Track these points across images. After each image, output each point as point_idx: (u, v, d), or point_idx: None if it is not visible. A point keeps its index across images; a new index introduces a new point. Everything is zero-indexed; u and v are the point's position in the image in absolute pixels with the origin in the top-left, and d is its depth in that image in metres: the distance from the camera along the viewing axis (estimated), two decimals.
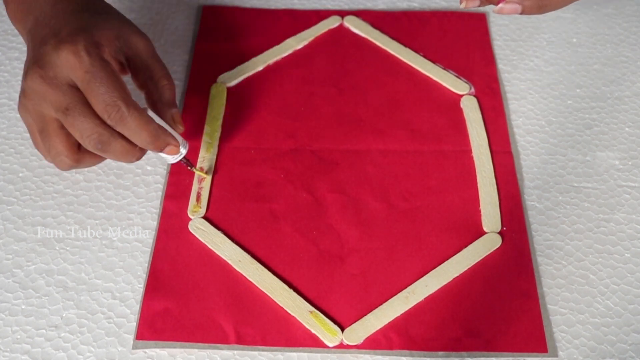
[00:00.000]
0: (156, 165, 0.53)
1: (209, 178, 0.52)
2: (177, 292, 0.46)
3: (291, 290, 0.46)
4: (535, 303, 0.46)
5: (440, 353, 0.44)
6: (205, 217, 0.50)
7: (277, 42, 0.61)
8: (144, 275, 0.47)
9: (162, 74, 0.49)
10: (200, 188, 0.51)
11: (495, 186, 0.51)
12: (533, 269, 0.47)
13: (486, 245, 0.48)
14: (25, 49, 0.61)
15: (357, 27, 0.62)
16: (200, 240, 0.48)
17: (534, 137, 0.55)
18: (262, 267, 0.47)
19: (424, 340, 0.44)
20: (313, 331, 0.44)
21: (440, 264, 0.47)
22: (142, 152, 0.46)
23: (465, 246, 0.48)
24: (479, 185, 0.52)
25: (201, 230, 0.49)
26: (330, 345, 0.44)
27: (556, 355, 0.44)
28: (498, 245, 0.48)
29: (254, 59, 0.60)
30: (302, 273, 0.47)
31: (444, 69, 0.59)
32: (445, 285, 0.46)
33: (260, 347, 0.44)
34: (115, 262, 0.48)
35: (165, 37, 0.62)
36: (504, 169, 0.53)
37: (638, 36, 0.63)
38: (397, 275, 0.47)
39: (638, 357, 0.43)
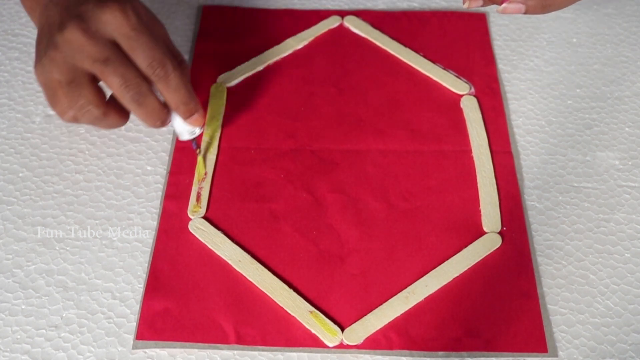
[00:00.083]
0: (156, 165, 0.53)
1: (208, 179, 0.52)
2: (177, 292, 0.46)
3: (291, 290, 0.46)
4: (535, 303, 0.46)
5: (440, 353, 0.44)
6: (205, 217, 0.50)
7: (277, 42, 0.61)
8: (144, 275, 0.47)
9: (181, 58, 0.50)
10: (200, 188, 0.51)
11: (495, 186, 0.51)
12: (533, 269, 0.47)
13: (486, 245, 0.48)
14: (25, 48, 0.61)
15: (357, 27, 0.62)
16: (200, 240, 0.48)
17: (534, 137, 0.55)
18: (262, 267, 0.47)
19: (424, 340, 0.44)
20: (313, 331, 0.44)
21: (440, 264, 0.47)
22: (167, 117, 0.48)
23: (465, 246, 0.48)
24: (479, 185, 0.52)
25: (201, 230, 0.49)
26: (330, 345, 0.44)
27: (556, 355, 0.44)
28: (498, 245, 0.48)
29: (254, 59, 0.60)
30: (302, 273, 0.47)
31: (444, 69, 0.59)
32: (445, 285, 0.46)
33: (260, 347, 0.44)
34: (115, 262, 0.48)
35: None
36: (504, 169, 0.53)
37: (638, 36, 0.63)
38: (397, 275, 0.47)
39: (638, 357, 0.43)
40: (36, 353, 0.44)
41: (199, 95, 0.56)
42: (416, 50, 0.61)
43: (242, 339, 0.44)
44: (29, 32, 0.63)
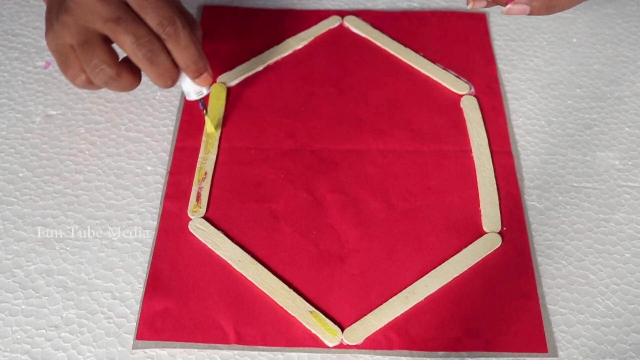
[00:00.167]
0: (156, 165, 0.53)
1: (209, 178, 0.52)
2: (177, 292, 0.46)
3: (291, 290, 0.46)
4: (535, 303, 0.46)
5: (440, 353, 0.44)
6: (205, 217, 0.50)
7: (277, 42, 0.61)
8: (144, 275, 0.47)
9: (192, 18, 0.51)
10: (200, 188, 0.51)
11: (495, 186, 0.51)
12: (533, 269, 0.47)
13: (486, 245, 0.48)
14: (25, 48, 0.61)
15: (357, 27, 0.62)
16: (200, 240, 0.48)
17: (534, 137, 0.55)
18: (262, 267, 0.47)
19: (424, 340, 0.44)
20: (313, 331, 0.44)
21: (440, 264, 0.47)
22: (177, 75, 0.48)
23: (465, 246, 0.48)
24: (479, 185, 0.52)
25: (201, 230, 0.49)
26: (330, 345, 0.44)
27: (556, 355, 0.44)
28: (498, 245, 0.48)
29: (254, 59, 0.60)
30: (302, 273, 0.47)
31: (444, 69, 0.59)
32: (445, 285, 0.46)
33: (260, 347, 0.44)
34: (115, 262, 0.48)
35: None
36: (504, 169, 0.53)
37: (638, 36, 0.63)
38: (397, 275, 0.47)
39: (638, 357, 0.43)
40: (36, 353, 0.44)
41: None
42: (416, 50, 0.61)
43: (242, 339, 0.44)
44: (29, 32, 0.63)
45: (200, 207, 0.50)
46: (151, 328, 0.44)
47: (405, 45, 0.61)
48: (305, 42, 0.61)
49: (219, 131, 0.55)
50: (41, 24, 0.63)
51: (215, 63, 0.59)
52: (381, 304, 0.45)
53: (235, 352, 0.44)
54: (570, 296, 0.46)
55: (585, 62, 0.61)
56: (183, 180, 0.52)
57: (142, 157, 0.53)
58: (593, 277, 0.47)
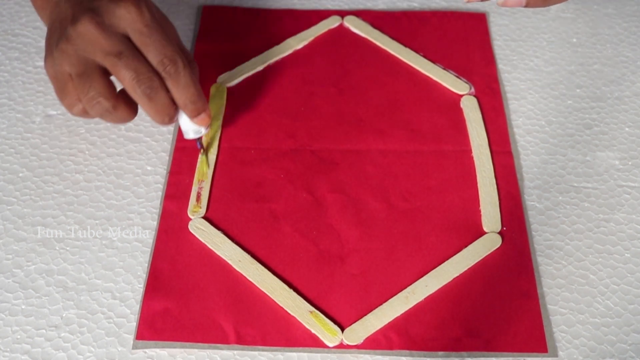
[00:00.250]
0: (156, 165, 0.53)
1: (208, 179, 0.52)
2: (177, 292, 0.46)
3: (291, 290, 0.46)
4: (535, 303, 0.46)
5: (440, 353, 0.44)
6: (205, 217, 0.50)
7: (277, 42, 0.61)
8: (144, 275, 0.47)
9: (191, 57, 0.51)
10: (200, 188, 0.51)
11: (495, 186, 0.51)
12: (533, 269, 0.47)
13: (486, 245, 0.48)
14: (25, 48, 0.61)
15: (357, 27, 0.62)
16: (200, 240, 0.48)
17: (534, 137, 0.55)
18: (262, 267, 0.47)
19: (424, 340, 0.44)
20: (313, 331, 0.44)
21: (440, 264, 0.47)
22: (175, 114, 0.48)
23: (465, 246, 0.48)
24: (479, 185, 0.52)
25: (201, 230, 0.49)
26: (330, 345, 0.44)
27: (556, 355, 0.44)
28: (498, 245, 0.48)
29: (254, 59, 0.60)
30: (302, 273, 0.47)
31: (444, 69, 0.59)
32: (445, 285, 0.46)
33: (260, 347, 0.44)
34: (115, 262, 0.48)
35: None
36: (504, 169, 0.53)
37: (638, 36, 0.63)
38: (397, 275, 0.47)
39: (638, 357, 0.43)
40: (36, 353, 0.44)
41: None
42: (416, 50, 0.61)
43: (242, 339, 0.44)
44: (29, 32, 0.63)
45: (200, 207, 0.50)
46: (151, 328, 0.44)
47: (405, 45, 0.61)
48: (305, 42, 0.61)
49: (219, 131, 0.55)
50: (41, 24, 0.63)
51: (215, 63, 0.59)
52: (381, 304, 0.45)
53: (235, 352, 0.44)
54: (570, 296, 0.46)
55: (585, 62, 0.61)
56: (183, 180, 0.52)
57: (142, 157, 0.53)
58: (593, 277, 0.47)
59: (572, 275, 0.47)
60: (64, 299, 0.46)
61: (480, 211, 0.50)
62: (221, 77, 0.58)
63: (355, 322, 0.45)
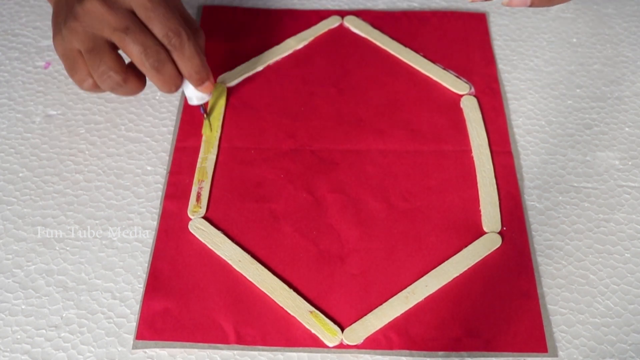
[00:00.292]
0: (156, 165, 0.53)
1: (208, 179, 0.52)
2: (177, 292, 0.46)
3: (291, 290, 0.46)
4: (535, 303, 0.46)
5: (440, 353, 0.44)
6: (205, 217, 0.50)
7: (277, 42, 0.61)
8: (144, 275, 0.47)
9: (196, 26, 0.53)
10: (200, 188, 0.51)
11: (495, 186, 0.51)
12: (533, 269, 0.47)
13: (486, 245, 0.48)
14: (25, 48, 0.61)
15: (357, 27, 0.62)
16: (200, 240, 0.48)
17: (534, 137, 0.55)
18: (262, 267, 0.47)
19: (424, 340, 0.44)
20: (313, 331, 0.44)
21: (440, 264, 0.47)
22: (181, 82, 0.50)
23: (465, 246, 0.48)
24: (479, 185, 0.52)
25: (201, 230, 0.49)
26: (330, 345, 0.44)
27: (556, 355, 0.44)
28: (498, 245, 0.48)
29: (254, 59, 0.60)
30: (302, 273, 0.47)
31: (444, 69, 0.59)
32: (445, 285, 0.46)
33: (260, 347, 0.44)
34: (115, 262, 0.48)
35: None
36: (504, 169, 0.53)
37: (638, 36, 0.63)
38: (397, 275, 0.47)
39: (638, 357, 0.43)
40: (36, 353, 0.44)
41: None
42: (416, 50, 0.61)
43: (242, 339, 0.44)
44: (29, 32, 0.63)
45: (200, 207, 0.50)
46: (151, 328, 0.44)
47: (405, 45, 0.61)
48: (305, 42, 0.61)
49: (217, 133, 0.55)
50: (41, 24, 0.63)
51: (215, 63, 0.59)
52: (381, 304, 0.45)
53: (235, 352, 0.44)
54: (570, 296, 0.46)
55: (585, 62, 0.61)
56: (183, 180, 0.52)
57: (142, 157, 0.53)
58: (593, 277, 0.47)
59: (572, 275, 0.47)
60: (64, 299, 0.46)
61: (480, 211, 0.50)
62: (221, 77, 0.58)
63: (355, 322, 0.45)
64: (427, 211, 0.50)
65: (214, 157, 0.53)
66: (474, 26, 0.63)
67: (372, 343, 0.44)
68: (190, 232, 0.49)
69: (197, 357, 0.44)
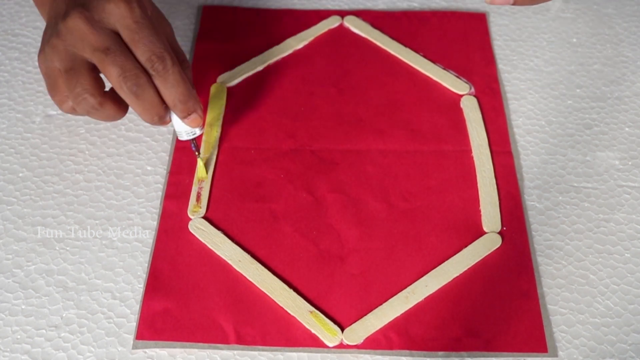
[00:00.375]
0: (156, 165, 0.53)
1: (208, 179, 0.52)
2: (177, 292, 0.46)
3: (291, 290, 0.46)
4: (535, 303, 0.46)
5: (440, 353, 0.44)
6: (205, 217, 0.50)
7: (277, 42, 0.61)
8: (144, 275, 0.47)
9: (183, 57, 0.51)
10: (200, 188, 0.51)
11: (495, 186, 0.51)
12: (533, 269, 0.47)
13: (486, 245, 0.48)
14: (25, 48, 0.61)
15: (357, 27, 0.62)
16: (200, 240, 0.48)
17: (534, 137, 0.55)
18: (262, 267, 0.47)
19: (424, 340, 0.44)
20: (313, 331, 0.44)
21: (440, 264, 0.47)
22: (166, 113, 0.47)
23: (465, 246, 0.48)
24: (479, 185, 0.52)
25: (201, 230, 0.49)
26: (330, 345, 0.44)
27: (556, 355, 0.44)
28: (498, 245, 0.48)
29: (254, 59, 0.60)
30: (302, 273, 0.47)
31: (444, 69, 0.59)
32: (445, 285, 0.46)
33: (260, 347, 0.44)
34: (115, 262, 0.48)
35: None
36: (504, 169, 0.53)
37: (638, 36, 0.63)
38: (397, 275, 0.47)
39: (638, 357, 0.43)
40: (36, 353, 0.44)
41: (199, 95, 0.57)
42: (416, 50, 0.61)
43: (242, 339, 0.44)
44: (29, 32, 0.63)
45: (200, 207, 0.50)
46: (151, 328, 0.44)
47: (405, 45, 0.61)
48: (305, 42, 0.61)
49: (219, 131, 0.55)
50: (41, 24, 0.63)
51: (215, 63, 0.59)
52: (381, 304, 0.45)
53: (235, 352, 0.44)
54: (570, 296, 0.46)
55: (585, 62, 0.61)
56: (183, 180, 0.52)
57: (142, 157, 0.53)
58: (593, 277, 0.47)
59: (572, 275, 0.47)
60: (64, 299, 0.46)
61: (480, 211, 0.50)
62: (221, 77, 0.58)
63: (355, 322, 0.45)
64: (427, 211, 0.50)
65: (214, 157, 0.53)
66: (474, 26, 0.63)
67: (372, 343, 0.44)
68: (190, 232, 0.49)
69: (197, 357, 0.44)
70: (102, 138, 0.55)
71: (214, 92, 0.57)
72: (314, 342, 0.44)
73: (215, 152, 0.53)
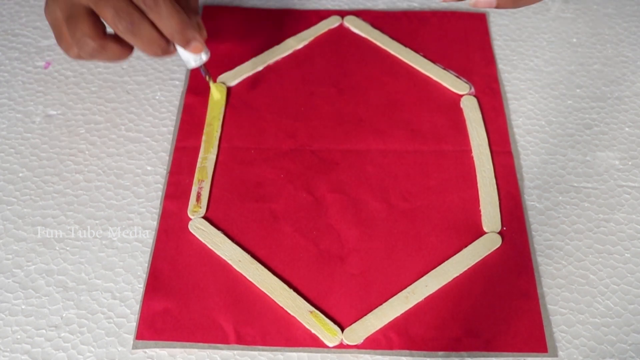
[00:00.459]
0: (156, 165, 0.53)
1: (208, 179, 0.52)
2: (177, 292, 0.46)
3: (291, 290, 0.46)
4: (535, 303, 0.46)
5: (440, 353, 0.44)
6: (205, 217, 0.50)
7: (277, 42, 0.61)
8: (144, 275, 0.47)
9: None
10: (200, 188, 0.51)
11: (495, 186, 0.51)
12: (533, 269, 0.47)
13: (486, 245, 0.48)
14: (25, 48, 0.61)
15: (357, 27, 0.62)
16: (200, 240, 0.48)
17: (534, 137, 0.55)
18: (262, 267, 0.47)
19: (424, 340, 0.44)
20: (313, 331, 0.44)
21: (440, 264, 0.47)
22: (168, 45, 0.48)
23: (465, 246, 0.48)
24: (479, 185, 0.52)
25: (201, 230, 0.49)
26: (330, 345, 0.44)
27: (556, 355, 0.44)
28: (498, 245, 0.48)
29: (254, 59, 0.60)
30: (302, 273, 0.47)
31: (444, 69, 0.59)
32: (445, 285, 0.46)
33: (260, 347, 0.44)
34: (115, 262, 0.48)
35: None
36: (504, 169, 0.53)
37: (638, 36, 0.63)
38: (397, 275, 0.47)
39: (638, 357, 0.43)
40: (36, 353, 0.44)
41: (199, 95, 0.57)
42: (416, 50, 0.61)
43: (242, 339, 0.44)
44: (29, 32, 0.63)
45: (200, 207, 0.50)
46: (151, 328, 0.44)
47: (405, 45, 0.61)
48: (305, 42, 0.61)
49: (219, 131, 0.54)
50: (41, 24, 0.63)
51: (215, 63, 0.59)
52: (381, 304, 0.45)
53: (235, 352, 0.44)
54: (570, 296, 0.46)
55: (585, 62, 0.61)
56: (183, 180, 0.52)
57: (142, 157, 0.53)
58: (593, 277, 0.47)
59: (572, 275, 0.47)
60: (64, 299, 0.46)
61: (480, 211, 0.50)
62: (221, 77, 0.58)
63: (355, 322, 0.45)
64: (427, 211, 0.50)
65: (214, 157, 0.53)
66: (474, 26, 0.63)
67: (372, 343, 0.44)
68: (190, 232, 0.49)
69: (197, 357, 0.44)
70: (102, 138, 0.55)
71: (214, 92, 0.57)
72: (314, 342, 0.44)
73: (215, 152, 0.53)
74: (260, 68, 0.59)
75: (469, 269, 0.47)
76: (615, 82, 0.59)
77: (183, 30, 0.48)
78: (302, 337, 0.44)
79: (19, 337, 0.44)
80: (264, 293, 0.46)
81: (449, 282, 0.46)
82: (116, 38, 0.48)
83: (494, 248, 0.48)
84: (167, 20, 0.47)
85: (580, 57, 0.61)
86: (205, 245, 0.48)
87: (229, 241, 0.48)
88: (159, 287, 0.46)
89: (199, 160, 0.53)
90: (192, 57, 0.51)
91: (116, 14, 0.46)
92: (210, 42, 0.61)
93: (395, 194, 0.51)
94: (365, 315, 0.45)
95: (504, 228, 0.49)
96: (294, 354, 0.44)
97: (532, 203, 0.51)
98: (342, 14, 0.64)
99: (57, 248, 0.48)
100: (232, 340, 0.44)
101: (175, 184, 0.51)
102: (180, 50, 0.50)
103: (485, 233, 0.49)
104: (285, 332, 0.44)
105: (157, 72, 0.59)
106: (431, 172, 0.52)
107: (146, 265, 0.47)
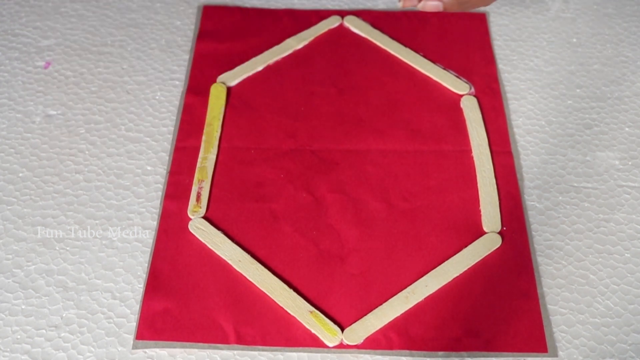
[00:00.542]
0: (156, 165, 0.53)
1: (208, 179, 0.52)
2: (177, 292, 0.46)
3: (291, 290, 0.46)
4: (535, 303, 0.46)
5: (440, 353, 0.44)
6: (205, 217, 0.50)
7: (277, 42, 0.61)
8: (144, 275, 0.47)
9: None
10: (200, 188, 0.51)
11: (495, 186, 0.51)
12: (533, 269, 0.47)
13: (486, 245, 0.48)
14: (25, 48, 0.61)
15: (357, 27, 0.62)
16: (200, 240, 0.48)
17: (534, 137, 0.55)
18: (262, 267, 0.47)
19: (424, 340, 0.44)
20: (313, 331, 0.44)
21: (440, 264, 0.47)
22: None
23: (465, 246, 0.48)
24: (479, 185, 0.52)
25: (201, 230, 0.49)
26: (330, 345, 0.44)
27: (556, 355, 0.44)
28: (498, 245, 0.48)
29: (254, 59, 0.60)
30: (302, 273, 0.47)
31: (444, 69, 0.59)
32: (445, 285, 0.46)
33: (260, 347, 0.44)
34: (115, 262, 0.48)
35: (165, 37, 0.62)
36: (504, 169, 0.53)
37: (638, 36, 0.63)
38: (397, 275, 0.47)
39: (638, 357, 0.43)
40: (36, 353, 0.44)
41: (199, 95, 0.57)
42: (416, 50, 0.61)
43: (242, 339, 0.44)
44: (29, 32, 0.63)
45: (200, 207, 0.50)
46: (151, 328, 0.44)
47: (405, 45, 0.61)
48: (305, 42, 0.61)
49: (219, 131, 0.54)
50: (41, 24, 0.63)
51: (216, 63, 0.59)
52: (381, 304, 0.45)
53: (235, 352, 0.44)
54: (570, 296, 0.46)
55: (585, 62, 0.61)
56: (183, 180, 0.52)
57: (142, 157, 0.53)
58: (593, 277, 0.47)
59: (572, 275, 0.47)
60: (64, 299, 0.46)
61: (480, 211, 0.50)
62: (221, 77, 0.58)
63: (355, 322, 0.45)
64: (427, 211, 0.50)
65: (214, 157, 0.53)
66: (474, 26, 0.63)
67: (372, 343, 0.44)
68: (190, 232, 0.49)
69: (197, 357, 0.44)
70: (102, 138, 0.55)
71: (214, 92, 0.57)
72: (314, 342, 0.44)
73: (215, 152, 0.53)
74: (260, 68, 0.59)
75: (469, 269, 0.47)
76: (615, 82, 0.59)
77: None
78: (302, 337, 0.44)
79: (19, 337, 0.44)
80: (264, 293, 0.46)
81: (449, 282, 0.46)
82: None
83: (494, 248, 0.48)
84: None
85: (580, 57, 0.61)
86: (205, 245, 0.48)
87: (229, 241, 0.48)
88: (159, 287, 0.46)
89: (199, 160, 0.53)
90: None
91: None
92: (210, 42, 0.61)
93: (395, 194, 0.51)
94: (365, 315, 0.45)
95: (504, 228, 0.49)
96: (294, 354, 0.44)
97: (532, 203, 0.51)
98: (342, 14, 0.64)
99: (57, 248, 0.48)
100: (232, 340, 0.44)
101: (175, 184, 0.51)
102: None
103: (485, 233, 0.49)
104: (285, 332, 0.44)
105: (157, 72, 0.59)
106: (431, 172, 0.52)
107: (146, 265, 0.47)
